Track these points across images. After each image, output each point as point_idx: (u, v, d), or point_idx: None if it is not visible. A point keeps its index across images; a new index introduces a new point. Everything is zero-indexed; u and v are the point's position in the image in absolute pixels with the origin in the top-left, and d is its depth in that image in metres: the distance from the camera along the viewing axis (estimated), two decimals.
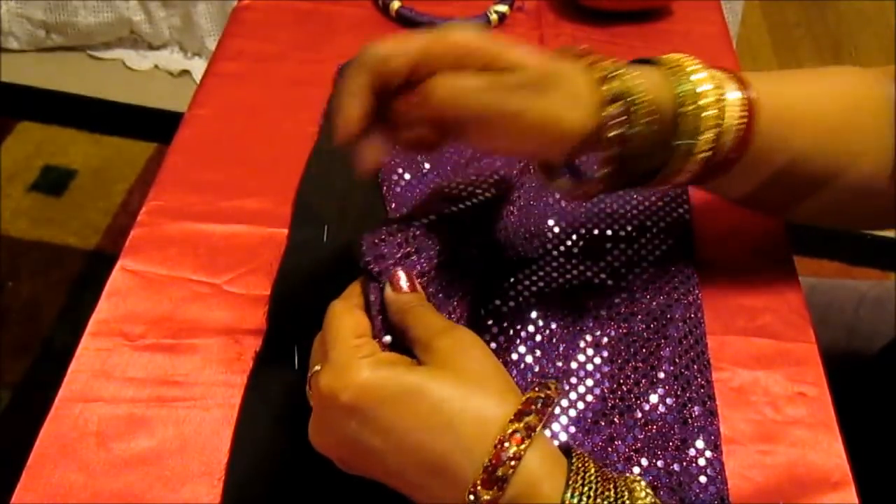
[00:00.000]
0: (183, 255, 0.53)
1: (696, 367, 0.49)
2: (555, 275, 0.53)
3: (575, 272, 0.53)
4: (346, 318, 0.37)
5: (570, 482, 0.32)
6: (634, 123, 0.40)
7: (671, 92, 0.41)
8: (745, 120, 0.42)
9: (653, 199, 0.58)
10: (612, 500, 0.32)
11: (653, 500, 0.33)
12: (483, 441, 0.32)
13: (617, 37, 0.74)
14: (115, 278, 0.51)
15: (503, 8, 0.74)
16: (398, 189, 0.57)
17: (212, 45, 1.65)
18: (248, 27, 0.71)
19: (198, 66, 1.70)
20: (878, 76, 0.49)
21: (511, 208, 0.56)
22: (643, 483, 0.34)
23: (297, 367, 0.47)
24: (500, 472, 0.31)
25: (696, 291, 0.52)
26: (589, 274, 0.53)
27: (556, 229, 0.55)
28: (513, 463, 0.31)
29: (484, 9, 0.73)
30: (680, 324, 0.50)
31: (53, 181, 1.49)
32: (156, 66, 1.72)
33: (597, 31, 0.74)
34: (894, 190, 0.48)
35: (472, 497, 0.32)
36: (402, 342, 0.37)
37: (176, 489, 0.42)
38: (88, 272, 1.35)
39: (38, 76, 1.67)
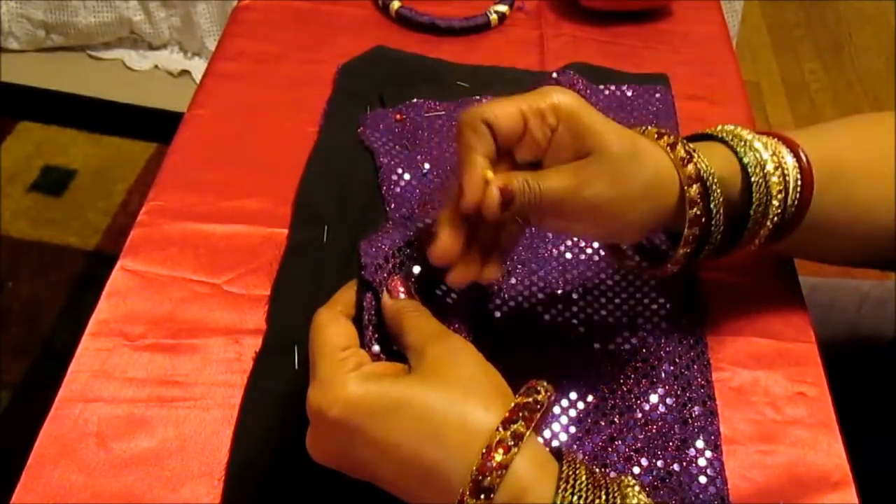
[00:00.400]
0: (183, 255, 0.53)
1: (696, 367, 0.49)
2: (555, 274, 0.53)
3: (576, 272, 0.53)
4: (332, 328, 0.37)
5: (560, 490, 0.32)
6: (713, 202, 0.41)
7: (736, 165, 0.43)
8: (799, 181, 0.43)
9: None
10: (603, 496, 0.32)
11: (639, 489, 0.33)
12: (469, 449, 0.32)
13: (617, 37, 0.74)
14: (115, 278, 0.51)
15: (503, 8, 0.74)
16: (398, 189, 0.57)
17: (212, 45, 1.65)
18: (248, 27, 0.71)
19: (198, 66, 1.70)
20: None
21: None
22: (637, 488, 0.34)
23: (297, 367, 0.47)
24: (486, 482, 0.31)
25: (697, 291, 0.52)
26: (589, 274, 0.53)
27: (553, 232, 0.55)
28: (499, 472, 0.32)
29: (484, 9, 0.73)
30: (680, 324, 0.50)
31: (53, 181, 1.49)
32: (156, 66, 1.72)
33: (597, 31, 0.74)
34: None
35: None
36: (395, 347, 0.38)
37: (176, 489, 0.42)
38: (88, 272, 1.35)
39: (38, 76, 1.67)
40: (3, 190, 1.46)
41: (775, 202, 0.43)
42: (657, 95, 0.66)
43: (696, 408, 0.47)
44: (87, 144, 1.56)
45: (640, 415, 0.46)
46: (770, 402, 0.48)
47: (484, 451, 0.32)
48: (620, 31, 0.74)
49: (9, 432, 1.12)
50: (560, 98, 0.38)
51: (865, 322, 0.67)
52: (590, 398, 0.47)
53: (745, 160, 0.42)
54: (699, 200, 0.40)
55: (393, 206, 0.56)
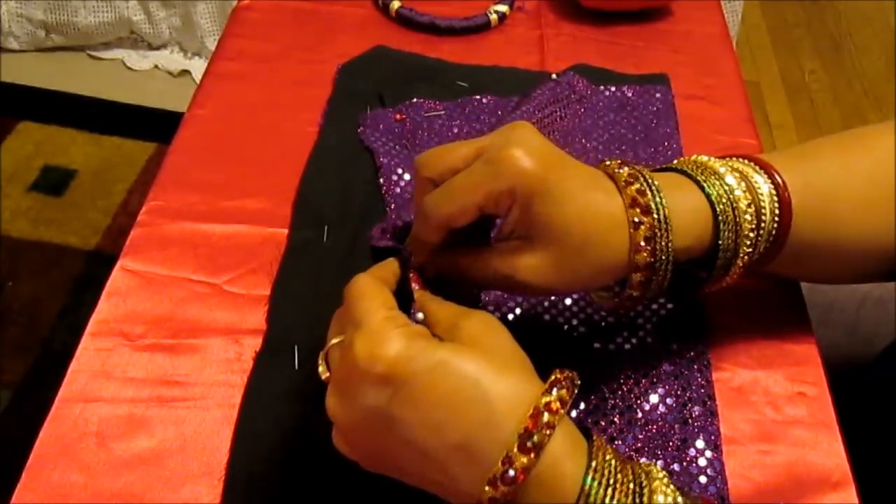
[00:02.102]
0: (183, 255, 0.53)
1: (696, 366, 0.49)
2: None
3: None
4: (376, 290, 0.37)
5: (592, 464, 0.33)
6: (660, 268, 0.39)
7: (706, 208, 0.41)
8: (777, 210, 0.42)
9: None
10: (630, 480, 0.33)
11: (668, 482, 0.33)
12: (514, 416, 0.32)
13: (617, 37, 0.74)
14: (115, 278, 0.51)
15: (503, 8, 0.74)
16: (398, 189, 0.57)
17: (212, 45, 1.65)
18: (248, 27, 0.71)
19: (198, 66, 1.70)
20: None
21: None
22: (657, 466, 0.34)
23: (297, 367, 0.47)
24: (536, 439, 0.32)
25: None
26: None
27: None
28: (548, 431, 0.32)
29: (484, 9, 0.73)
30: (680, 324, 0.50)
31: (53, 181, 1.49)
32: (156, 66, 1.72)
33: (597, 31, 0.74)
34: None
35: (505, 464, 0.31)
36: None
37: (176, 489, 0.42)
38: (88, 272, 1.35)
39: (38, 76, 1.67)
40: (3, 190, 1.46)
41: (747, 241, 0.41)
42: (657, 95, 0.66)
43: (696, 408, 0.47)
44: (87, 144, 1.56)
45: (640, 415, 0.46)
46: (770, 402, 0.48)
47: (533, 412, 0.32)
48: (620, 31, 0.74)
49: (9, 432, 1.13)
50: (518, 178, 0.37)
51: (865, 322, 0.67)
52: (590, 398, 0.47)
53: (713, 197, 0.40)
54: (639, 286, 0.40)
55: (393, 206, 0.56)
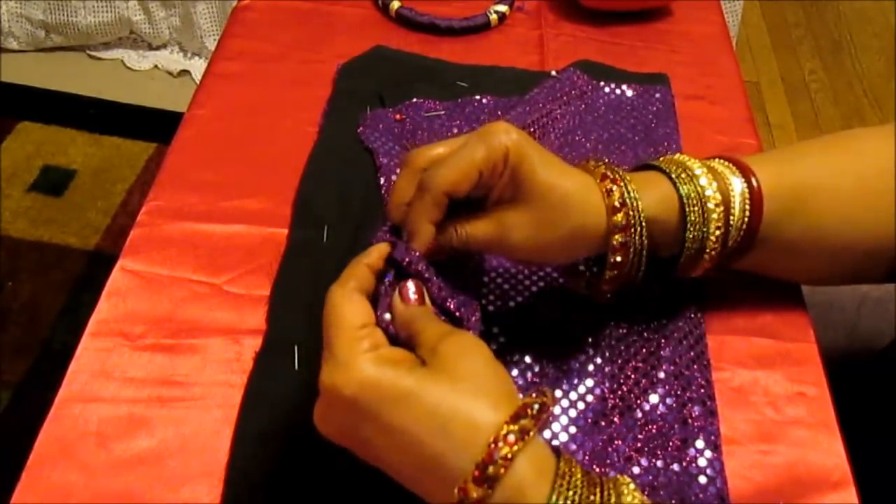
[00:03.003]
0: (183, 255, 0.53)
1: (696, 366, 0.49)
2: (555, 274, 0.53)
3: None
4: (347, 306, 0.37)
5: (556, 486, 0.33)
6: (636, 233, 0.43)
7: (675, 200, 0.44)
8: (748, 209, 0.45)
9: None
10: (597, 503, 0.33)
11: (641, 501, 0.33)
12: (475, 443, 0.33)
13: (617, 37, 0.74)
14: (115, 278, 0.51)
15: (503, 8, 0.74)
16: None
17: (212, 45, 1.65)
18: (248, 27, 0.71)
19: (198, 66, 1.70)
20: None
21: None
22: (632, 486, 0.34)
23: (297, 367, 0.47)
24: (490, 471, 0.32)
25: (696, 292, 0.52)
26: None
27: None
28: (504, 463, 0.32)
29: (484, 9, 0.73)
30: (680, 323, 0.50)
31: (53, 181, 1.49)
32: (156, 66, 1.72)
33: (597, 31, 0.74)
34: None
35: (460, 493, 0.32)
36: (407, 347, 0.38)
37: (176, 489, 0.42)
38: (88, 272, 1.35)
39: (38, 76, 1.67)
40: (3, 190, 1.46)
41: (713, 237, 0.44)
42: (657, 95, 0.66)
43: (696, 408, 0.47)
44: (87, 144, 1.56)
45: (640, 415, 0.46)
46: (770, 402, 0.48)
47: (491, 443, 0.32)
48: (620, 31, 0.74)
49: (9, 432, 1.12)
50: (509, 143, 0.40)
51: (865, 322, 0.67)
52: (590, 398, 0.47)
53: (683, 191, 0.44)
54: (621, 248, 0.43)
55: None
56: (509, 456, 0.32)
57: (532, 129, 0.61)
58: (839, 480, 0.44)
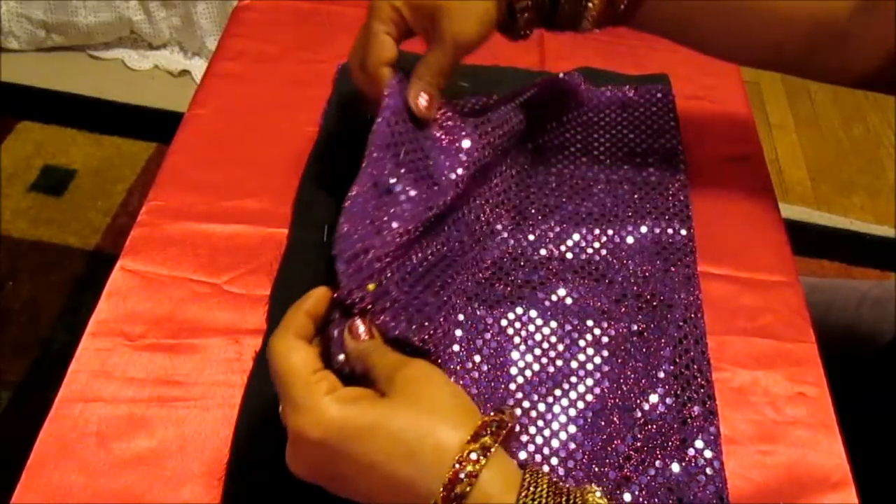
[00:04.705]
0: (183, 255, 0.53)
1: (696, 367, 0.49)
2: (552, 277, 0.53)
3: (576, 272, 0.53)
4: (294, 354, 0.37)
5: (521, 496, 0.34)
6: None
7: None
8: None
9: (653, 194, 0.58)
10: None
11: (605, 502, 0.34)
12: (442, 465, 0.34)
13: (617, 37, 0.74)
14: (115, 278, 0.51)
15: None
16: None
17: (212, 45, 1.65)
18: (248, 27, 0.71)
19: (198, 66, 1.70)
20: None
21: (500, 210, 0.56)
22: (598, 494, 0.35)
23: None
24: (458, 490, 0.33)
25: (696, 292, 0.52)
26: (590, 273, 0.53)
27: (558, 229, 0.55)
28: (469, 480, 0.33)
29: None
30: (680, 324, 0.50)
31: (53, 181, 1.49)
32: (156, 66, 1.72)
33: (597, 31, 0.74)
34: (860, 37, 0.48)
35: None
36: (363, 382, 0.38)
37: (176, 489, 0.42)
38: (88, 272, 1.35)
39: (38, 76, 1.67)
40: (3, 190, 1.46)
41: None
42: (658, 95, 0.66)
43: (695, 408, 0.47)
44: (87, 144, 1.56)
45: (639, 415, 0.46)
46: (770, 402, 0.48)
47: (455, 462, 0.34)
48: (620, 31, 0.73)
49: (9, 432, 1.13)
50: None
51: (864, 322, 0.67)
52: (589, 398, 0.47)
53: None
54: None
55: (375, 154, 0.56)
56: (474, 473, 0.34)
57: (530, 129, 0.61)
58: (839, 480, 0.44)
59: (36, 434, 0.44)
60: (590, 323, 0.50)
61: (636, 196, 0.58)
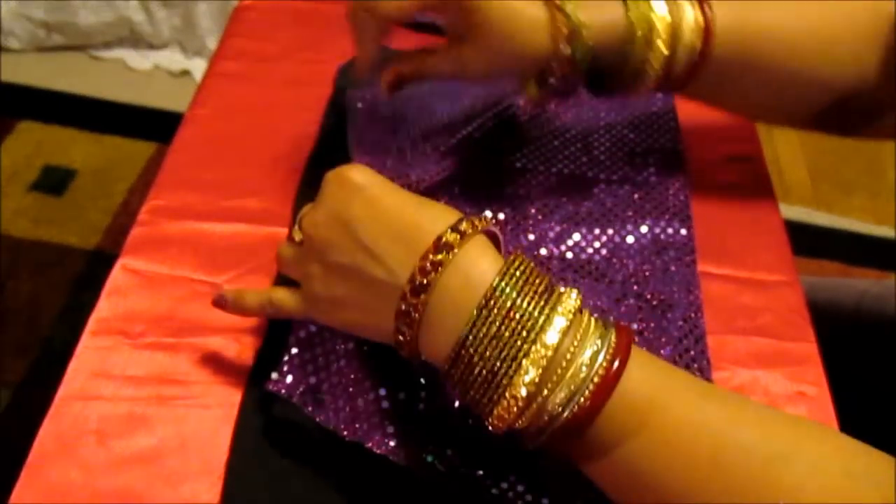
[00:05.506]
0: (183, 254, 0.53)
1: (696, 366, 0.49)
2: (555, 274, 0.53)
3: (576, 273, 0.53)
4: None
5: (503, 268, 0.36)
6: (580, 49, 0.47)
7: (625, 18, 0.48)
8: (699, 39, 0.48)
9: (653, 194, 0.58)
10: (537, 289, 0.36)
11: (580, 298, 0.36)
12: (443, 220, 0.38)
13: None
14: (116, 277, 0.51)
15: None
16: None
17: (212, 45, 1.65)
18: (249, 27, 0.71)
19: (198, 66, 1.70)
20: None
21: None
22: (574, 295, 0.36)
23: None
24: (463, 227, 0.37)
25: (696, 291, 0.52)
26: (590, 273, 0.53)
27: (558, 228, 0.55)
28: (469, 230, 0.37)
29: None
30: (680, 323, 0.50)
31: (53, 181, 1.49)
32: (156, 66, 1.72)
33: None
34: (883, 96, 0.52)
35: (433, 245, 0.37)
36: None
37: (176, 488, 0.42)
38: (88, 272, 1.35)
39: (38, 76, 1.67)
40: (3, 189, 1.46)
41: (658, 58, 0.48)
42: (658, 95, 0.66)
43: None
44: (87, 144, 1.57)
45: None
46: (770, 401, 0.48)
47: (458, 217, 0.38)
48: None
49: (9, 431, 1.13)
50: None
51: (864, 319, 0.67)
52: None
53: (632, 14, 0.47)
54: (568, 63, 0.47)
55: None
56: (472, 229, 0.37)
57: (529, 129, 0.61)
58: None
59: (36, 432, 0.44)
60: None
61: (636, 196, 0.58)
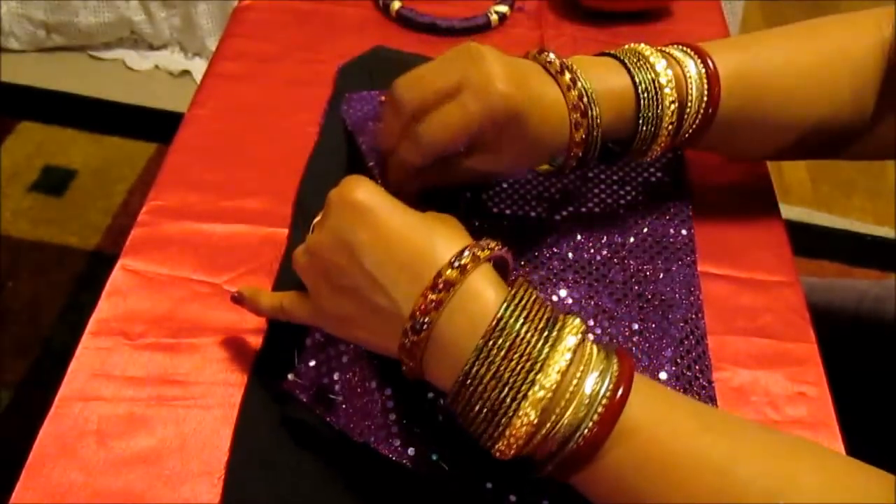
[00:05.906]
0: (183, 254, 0.53)
1: (697, 367, 0.49)
2: (556, 274, 0.53)
3: (576, 273, 0.53)
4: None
5: (510, 296, 0.36)
6: (594, 127, 0.46)
7: (628, 82, 0.47)
8: (705, 95, 0.48)
9: (654, 194, 0.58)
10: (538, 325, 0.36)
11: (584, 327, 0.37)
12: (450, 246, 0.38)
13: (617, 37, 0.74)
14: (116, 277, 0.51)
15: (503, 8, 0.74)
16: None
17: (212, 45, 1.66)
18: (249, 27, 0.71)
19: (198, 66, 1.70)
20: (881, 19, 0.52)
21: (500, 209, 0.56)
22: (578, 321, 0.37)
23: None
24: (464, 261, 0.37)
25: (697, 292, 0.52)
26: (590, 273, 0.53)
27: (555, 232, 0.55)
28: (480, 254, 0.37)
29: (484, 9, 0.73)
30: (681, 324, 0.50)
31: (53, 181, 1.49)
32: (156, 67, 1.73)
33: (597, 32, 0.74)
34: (879, 128, 0.52)
35: (436, 277, 0.36)
36: None
37: (176, 488, 0.42)
38: (88, 272, 1.35)
39: (38, 76, 1.67)
40: (3, 190, 1.46)
41: (668, 119, 0.48)
42: None
43: None
44: (87, 144, 1.57)
45: None
46: (770, 402, 0.48)
47: (466, 245, 0.38)
48: (620, 31, 0.74)
49: (9, 432, 1.13)
50: (501, 115, 0.43)
51: (864, 321, 0.67)
52: None
53: (638, 78, 0.47)
54: (584, 138, 0.47)
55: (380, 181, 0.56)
56: (480, 257, 0.37)
57: None
58: None
59: (36, 433, 0.44)
60: (591, 323, 0.50)
61: (637, 196, 0.58)
